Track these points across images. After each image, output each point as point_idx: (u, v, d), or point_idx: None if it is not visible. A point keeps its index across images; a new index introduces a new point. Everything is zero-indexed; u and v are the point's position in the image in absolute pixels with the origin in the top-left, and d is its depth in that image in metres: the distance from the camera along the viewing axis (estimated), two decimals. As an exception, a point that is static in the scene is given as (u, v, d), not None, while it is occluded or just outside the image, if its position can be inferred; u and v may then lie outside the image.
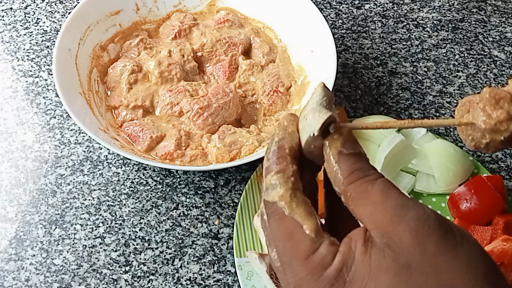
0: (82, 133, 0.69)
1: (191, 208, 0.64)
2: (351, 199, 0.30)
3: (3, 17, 0.81)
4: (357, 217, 0.30)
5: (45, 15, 0.82)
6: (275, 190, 0.30)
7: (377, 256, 0.27)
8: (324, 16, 0.70)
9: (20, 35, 0.79)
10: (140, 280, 0.59)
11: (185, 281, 0.59)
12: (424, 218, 0.27)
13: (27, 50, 0.78)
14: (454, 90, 0.79)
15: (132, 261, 0.60)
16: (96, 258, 0.60)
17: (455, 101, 0.77)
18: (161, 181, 0.66)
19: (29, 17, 0.82)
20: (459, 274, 0.26)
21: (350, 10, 0.88)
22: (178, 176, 0.67)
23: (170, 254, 0.61)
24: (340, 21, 0.86)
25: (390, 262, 0.27)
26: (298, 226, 0.29)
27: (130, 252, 0.61)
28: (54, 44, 0.69)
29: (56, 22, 0.81)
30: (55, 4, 0.84)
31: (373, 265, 0.27)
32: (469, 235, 0.28)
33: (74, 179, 0.65)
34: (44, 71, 0.75)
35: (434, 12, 0.89)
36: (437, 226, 0.27)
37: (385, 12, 0.88)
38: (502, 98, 0.31)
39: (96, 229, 0.62)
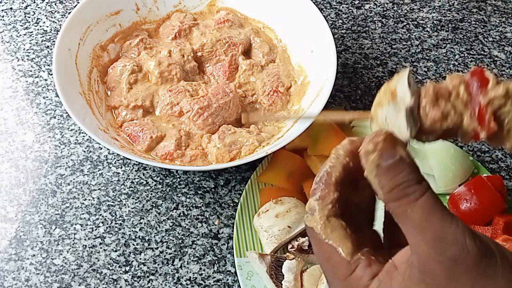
0: (82, 133, 0.69)
1: (191, 208, 0.64)
2: (394, 215, 0.30)
3: (3, 17, 0.81)
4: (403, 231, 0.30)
5: (45, 15, 0.82)
6: (313, 216, 0.32)
7: None
8: (324, 16, 0.70)
9: (20, 35, 0.79)
10: (140, 280, 0.59)
11: (185, 281, 0.59)
12: (462, 256, 0.27)
13: (27, 50, 0.78)
14: (454, 90, 0.78)
15: (132, 261, 0.60)
16: (96, 258, 0.60)
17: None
18: (161, 181, 0.66)
19: (29, 17, 0.82)
20: None
21: (350, 10, 0.88)
22: (178, 176, 0.67)
23: (170, 254, 0.61)
24: (340, 21, 0.86)
25: None
26: (334, 250, 0.31)
27: (130, 252, 0.61)
28: (54, 44, 0.69)
29: (56, 22, 0.81)
30: (55, 4, 0.84)
31: None
32: None
33: (74, 179, 0.65)
34: (44, 71, 0.75)
35: (434, 12, 0.89)
36: (476, 263, 0.27)
37: (385, 12, 0.88)
38: (441, 95, 0.32)
39: (96, 229, 0.62)
